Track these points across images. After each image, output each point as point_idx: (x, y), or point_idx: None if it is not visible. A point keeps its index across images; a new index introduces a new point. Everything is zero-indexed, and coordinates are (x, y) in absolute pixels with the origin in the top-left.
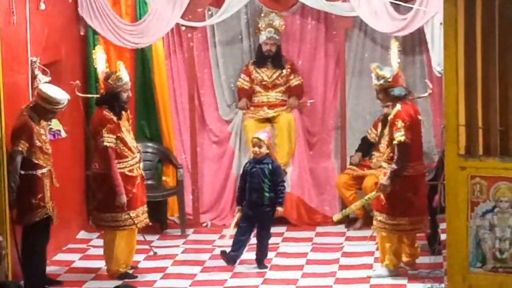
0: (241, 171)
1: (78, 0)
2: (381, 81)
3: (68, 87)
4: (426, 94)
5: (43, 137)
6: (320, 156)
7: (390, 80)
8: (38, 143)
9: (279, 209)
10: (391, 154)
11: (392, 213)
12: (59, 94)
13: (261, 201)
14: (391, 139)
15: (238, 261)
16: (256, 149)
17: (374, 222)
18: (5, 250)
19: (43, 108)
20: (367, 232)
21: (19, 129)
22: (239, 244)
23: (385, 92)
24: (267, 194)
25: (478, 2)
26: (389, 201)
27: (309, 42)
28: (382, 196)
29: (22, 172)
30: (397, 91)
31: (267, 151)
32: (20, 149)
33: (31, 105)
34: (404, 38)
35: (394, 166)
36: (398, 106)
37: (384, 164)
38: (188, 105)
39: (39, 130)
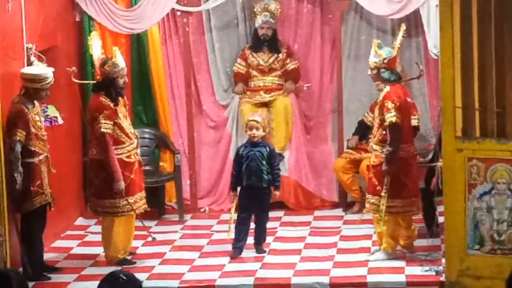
0: (236, 154)
1: None
2: (376, 60)
3: (64, 74)
4: (415, 76)
5: (38, 123)
6: (317, 140)
7: (385, 61)
8: (33, 130)
9: (277, 193)
10: (381, 136)
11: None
12: (43, 70)
13: (260, 184)
14: (382, 120)
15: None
16: (254, 131)
17: (367, 205)
18: (3, 237)
19: (34, 89)
20: (365, 216)
21: (14, 118)
22: (241, 234)
23: (378, 71)
24: (265, 177)
25: None
26: (381, 183)
27: (305, 26)
28: (374, 179)
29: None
30: (386, 75)
31: (263, 134)
32: (19, 138)
33: (22, 92)
34: (400, 20)
35: (388, 148)
36: (387, 88)
37: (374, 146)
38: (185, 90)
39: (34, 117)
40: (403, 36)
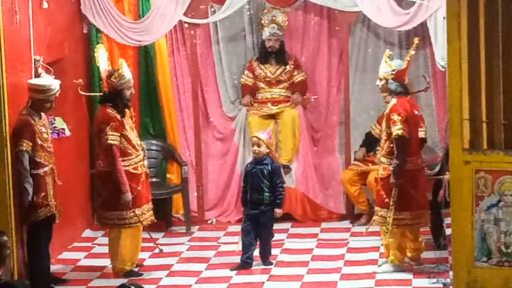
0: (244, 170)
1: None
2: (386, 70)
3: (72, 86)
4: (422, 89)
5: (45, 135)
6: (325, 152)
7: (394, 72)
8: (39, 142)
9: (277, 210)
10: (389, 149)
11: (394, 208)
12: (48, 81)
13: (261, 201)
14: (389, 133)
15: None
16: (256, 148)
17: (375, 217)
18: (10, 249)
19: (39, 100)
20: (372, 228)
21: (21, 129)
22: (248, 245)
23: (386, 82)
24: (267, 194)
25: None
26: (389, 196)
27: (312, 38)
28: (382, 192)
29: None
30: (393, 86)
31: (267, 151)
32: (25, 148)
33: (28, 103)
34: (407, 32)
35: (395, 161)
36: (394, 100)
37: (382, 159)
38: (192, 102)
39: (40, 128)
40: (414, 50)
